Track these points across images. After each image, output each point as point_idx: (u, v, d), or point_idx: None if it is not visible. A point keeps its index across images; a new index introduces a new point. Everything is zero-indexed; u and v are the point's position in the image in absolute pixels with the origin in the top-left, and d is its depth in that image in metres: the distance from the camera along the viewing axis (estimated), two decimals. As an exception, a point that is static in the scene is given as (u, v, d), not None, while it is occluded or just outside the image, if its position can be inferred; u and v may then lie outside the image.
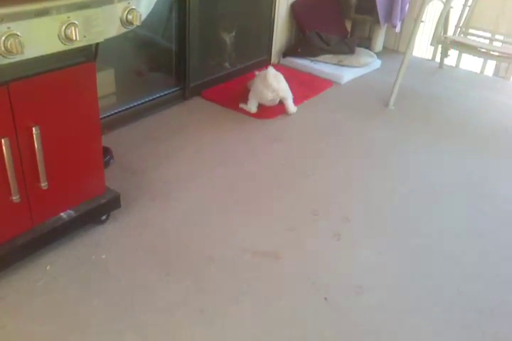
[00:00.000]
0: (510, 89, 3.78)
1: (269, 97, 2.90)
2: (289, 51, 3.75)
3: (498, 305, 1.79)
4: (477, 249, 2.06)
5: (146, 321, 1.63)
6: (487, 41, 3.65)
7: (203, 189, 2.29)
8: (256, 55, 3.58)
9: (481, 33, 3.57)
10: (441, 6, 3.37)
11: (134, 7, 1.66)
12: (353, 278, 1.86)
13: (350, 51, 3.79)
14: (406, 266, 1.95)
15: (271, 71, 2.90)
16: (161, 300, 1.71)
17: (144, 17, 1.74)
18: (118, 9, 1.63)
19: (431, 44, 3.47)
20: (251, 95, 2.96)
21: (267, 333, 1.63)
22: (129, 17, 1.66)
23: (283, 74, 2.99)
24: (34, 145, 1.64)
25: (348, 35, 4.07)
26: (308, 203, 2.26)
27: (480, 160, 2.70)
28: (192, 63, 2.98)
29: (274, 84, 2.85)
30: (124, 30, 1.71)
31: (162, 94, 2.92)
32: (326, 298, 1.76)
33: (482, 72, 4.06)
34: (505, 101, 3.47)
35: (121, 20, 1.66)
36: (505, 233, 2.17)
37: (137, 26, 1.70)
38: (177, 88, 3.00)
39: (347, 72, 3.59)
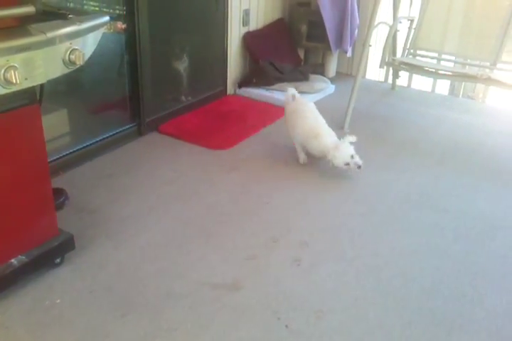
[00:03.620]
0: (460, 105, 3.90)
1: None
2: (244, 81, 3.81)
3: (456, 319, 1.80)
4: (434, 265, 2.08)
5: (102, 365, 1.59)
6: (435, 61, 3.78)
7: (159, 224, 2.27)
8: (211, 86, 3.63)
9: (429, 53, 3.70)
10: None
11: (76, 47, 1.68)
12: (313, 303, 1.85)
13: (305, 78, 3.87)
14: (365, 286, 1.94)
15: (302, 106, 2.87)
16: (118, 342, 1.67)
17: (87, 56, 1.76)
18: (60, 50, 1.64)
19: (380, 66, 3.57)
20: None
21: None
22: (72, 57, 1.67)
23: (239, 104, 3.01)
24: (-23, 191, 1.62)
25: (302, 63, 4.17)
26: (267, 230, 2.26)
27: (433, 176, 2.75)
28: (146, 98, 3.01)
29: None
30: (67, 70, 1.71)
31: (117, 131, 2.92)
32: (286, 326, 1.75)
33: (433, 90, 4.18)
34: (454, 117, 3.57)
35: (63, 60, 1.67)
36: (460, 247, 2.19)
37: (81, 65, 1.71)
38: (132, 124, 3.00)
39: (302, 98, 3.65)
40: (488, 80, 3.12)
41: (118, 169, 2.69)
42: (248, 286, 1.92)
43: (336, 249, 2.15)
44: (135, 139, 3.00)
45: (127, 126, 2.99)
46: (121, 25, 2.93)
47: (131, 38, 2.87)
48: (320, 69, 4.14)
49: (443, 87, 4.56)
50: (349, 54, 4.08)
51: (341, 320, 1.78)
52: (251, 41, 3.83)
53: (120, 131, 2.94)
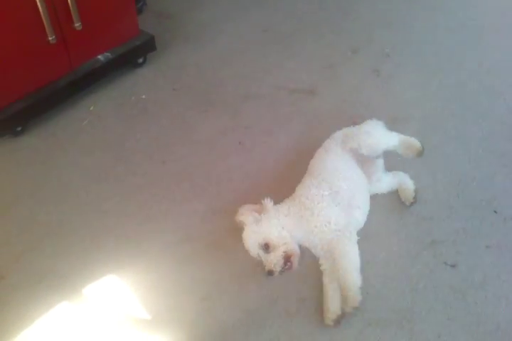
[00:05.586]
0: None
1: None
2: None
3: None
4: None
5: (185, 153, 1.71)
6: None
7: (237, 30, 2.22)
8: None
9: None
10: None
11: None
12: (388, 111, 1.83)
13: None
14: (447, 98, 1.89)
15: None
16: (200, 134, 1.77)
17: None
18: None
19: None
20: None
21: (300, 159, 1.66)
22: None
23: None
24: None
25: None
26: (347, 41, 2.16)
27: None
28: None
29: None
30: None
31: None
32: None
33: None
34: None
35: None
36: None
37: None
38: None
39: None
40: None
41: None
42: (325, 92, 1.92)
43: (419, 62, 2.05)
44: None
45: None
46: None
47: None
48: None
49: None
50: None
51: (417, 127, 1.77)
52: None
53: None
